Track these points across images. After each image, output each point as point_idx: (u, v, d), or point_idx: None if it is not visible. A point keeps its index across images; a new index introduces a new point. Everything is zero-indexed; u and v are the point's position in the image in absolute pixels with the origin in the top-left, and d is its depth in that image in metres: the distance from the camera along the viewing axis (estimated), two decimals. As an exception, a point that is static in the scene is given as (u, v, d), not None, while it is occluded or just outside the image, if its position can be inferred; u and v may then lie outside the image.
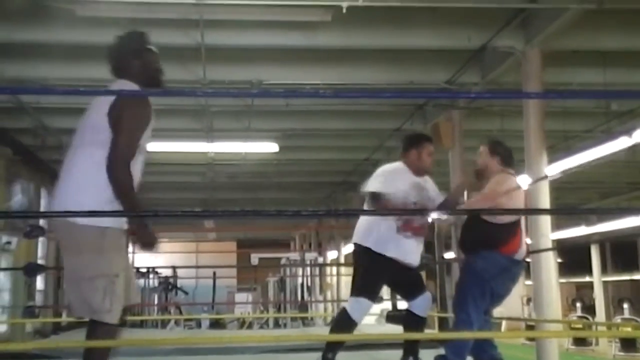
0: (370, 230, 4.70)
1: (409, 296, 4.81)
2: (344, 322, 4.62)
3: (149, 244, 3.37)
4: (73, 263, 3.28)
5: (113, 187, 3.23)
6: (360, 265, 4.74)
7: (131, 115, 3.35)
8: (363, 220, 4.81)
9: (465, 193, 5.27)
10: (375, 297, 4.73)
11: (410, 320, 4.86)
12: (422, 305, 4.84)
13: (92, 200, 3.16)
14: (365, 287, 4.65)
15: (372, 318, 13.12)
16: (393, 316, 8.31)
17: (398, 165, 4.96)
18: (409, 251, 4.76)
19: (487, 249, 4.63)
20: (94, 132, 3.34)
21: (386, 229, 4.65)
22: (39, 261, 14.43)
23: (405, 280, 4.80)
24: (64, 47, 8.70)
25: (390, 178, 4.76)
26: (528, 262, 5.05)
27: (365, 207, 4.80)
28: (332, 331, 4.82)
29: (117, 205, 3.23)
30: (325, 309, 17.26)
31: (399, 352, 6.48)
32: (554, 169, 9.49)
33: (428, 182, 5.04)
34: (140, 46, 3.72)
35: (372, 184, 4.73)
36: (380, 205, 4.59)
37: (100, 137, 3.29)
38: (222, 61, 9.10)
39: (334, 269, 20.19)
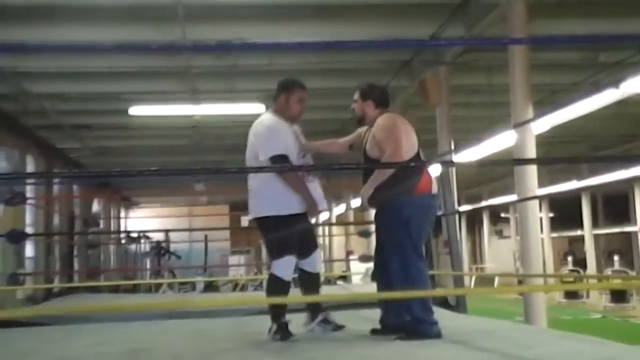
0: (266, 198, 4.59)
1: (302, 254, 4.70)
2: (277, 285, 4.56)
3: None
4: None
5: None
6: (269, 233, 4.64)
7: None
8: (257, 192, 4.68)
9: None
10: (295, 252, 4.63)
11: (306, 279, 4.79)
12: (314, 262, 4.81)
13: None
14: (284, 248, 4.57)
15: (357, 277, 13.17)
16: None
17: (272, 118, 4.75)
18: (318, 194, 4.72)
19: (405, 194, 4.39)
20: None
21: (284, 189, 4.56)
22: (27, 228, 14.34)
23: (303, 238, 4.70)
24: (36, 9, 8.54)
25: (280, 134, 4.62)
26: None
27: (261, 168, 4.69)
28: (269, 296, 4.73)
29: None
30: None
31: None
32: (542, 123, 9.39)
33: (297, 129, 4.91)
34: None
35: (275, 146, 4.53)
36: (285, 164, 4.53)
37: None
38: (201, 20, 8.91)
39: (326, 229, 20.21)
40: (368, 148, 4.60)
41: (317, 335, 4.70)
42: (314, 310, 4.81)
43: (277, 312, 4.54)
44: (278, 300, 4.60)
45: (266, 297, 4.86)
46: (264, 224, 4.65)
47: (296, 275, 4.94)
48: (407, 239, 4.41)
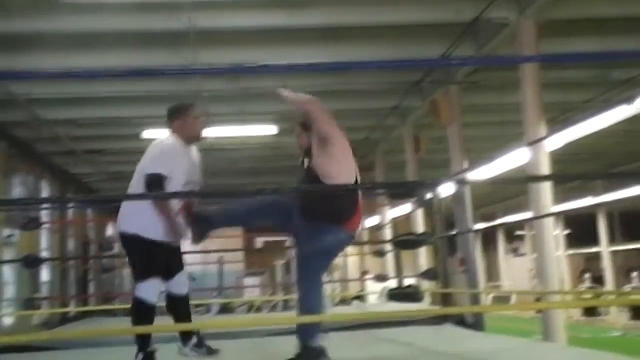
0: (136, 216, 4.44)
1: (168, 276, 4.59)
2: (141, 308, 4.39)
3: None
4: None
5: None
6: (134, 252, 4.50)
7: None
8: (128, 206, 4.53)
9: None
10: (161, 275, 4.48)
11: (174, 303, 4.66)
12: (180, 282, 4.68)
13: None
14: (147, 271, 4.41)
15: (373, 297, 13.11)
16: (395, 294, 8.23)
17: (171, 140, 4.62)
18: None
19: (334, 224, 4.27)
20: None
21: (154, 213, 4.42)
22: (42, 253, 14.42)
23: (170, 261, 4.61)
24: (50, 36, 8.63)
25: (171, 157, 4.49)
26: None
27: (140, 188, 4.42)
28: (135, 322, 4.48)
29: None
30: (334, 290, 17.21)
31: (401, 330, 6.44)
32: (554, 140, 9.36)
33: (194, 151, 4.80)
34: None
35: (155, 165, 4.41)
36: (161, 188, 4.36)
37: None
38: (212, 44, 8.99)
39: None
40: (315, 161, 4.35)
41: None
42: (185, 334, 4.67)
43: (143, 340, 4.36)
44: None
45: (131, 323, 4.54)
46: (128, 241, 4.50)
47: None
48: (319, 262, 4.32)
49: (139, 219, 4.42)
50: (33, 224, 8.56)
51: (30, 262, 8.43)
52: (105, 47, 8.98)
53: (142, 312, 4.37)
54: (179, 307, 4.68)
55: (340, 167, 4.26)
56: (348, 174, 4.28)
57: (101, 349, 6.05)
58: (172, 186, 4.40)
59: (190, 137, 4.69)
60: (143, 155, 4.59)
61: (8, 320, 12.57)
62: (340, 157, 4.27)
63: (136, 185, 4.49)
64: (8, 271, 12.87)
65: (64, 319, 13.28)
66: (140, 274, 4.42)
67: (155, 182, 4.33)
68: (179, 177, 4.47)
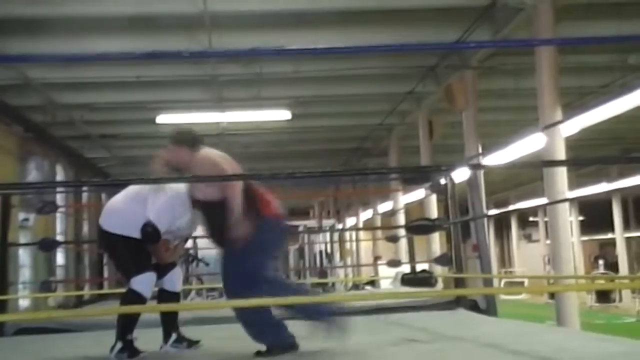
0: (130, 222, 4.39)
1: (160, 274, 4.55)
2: (134, 302, 4.31)
3: None
4: None
5: None
6: (118, 251, 4.50)
7: None
8: (127, 211, 4.45)
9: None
10: (153, 269, 4.45)
11: (164, 298, 4.66)
12: (173, 280, 4.68)
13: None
14: (139, 265, 4.38)
15: (386, 282, 13.12)
16: (409, 279, 8.24)
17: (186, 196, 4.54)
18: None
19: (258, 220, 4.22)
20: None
21: (139, 214, 4.40)
22: (58, 237, 14.51)
23: None
24: (64, 21, 8.66)
25: (177, 213, 4.48)
26: None
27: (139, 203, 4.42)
28: (124, 314, 4.44)
29: None
30: (346, 275, 17.25)
31: (414, 315, 6.45)
32: (570, 125, 9.29)
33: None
34: None
35: (160, 215, 4.38)
36: (153, 241, 4.39)
37: None
38: (227, 28, 8.97)
39: (353, 235, 20.16)
40: (201, 193, 4.35)
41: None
42: (167, 330, 4.65)
43: (124, 330, 4.33)
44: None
45: (118, 315, 4.53)
46: (112, 240, 4.48)
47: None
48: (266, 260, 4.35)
49: (123, 219, 4.42)
50: (48, 208, 8.56)
51: (46, 246, 8.47)
52: (121, 32, 8.99)
53: (134, 304, 4.31)
54: (167, 301, 4.67)
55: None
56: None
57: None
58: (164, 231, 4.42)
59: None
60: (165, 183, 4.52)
61: (24, 303, 12.70)
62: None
63: (134, 196, 4.47)
64: (24, 254, 12.99)
65: (80, 302, 13.40)
66: (132, 270, 4.38)
67: (150, 238, 4.35)
68: (173, 227, 4.49)
